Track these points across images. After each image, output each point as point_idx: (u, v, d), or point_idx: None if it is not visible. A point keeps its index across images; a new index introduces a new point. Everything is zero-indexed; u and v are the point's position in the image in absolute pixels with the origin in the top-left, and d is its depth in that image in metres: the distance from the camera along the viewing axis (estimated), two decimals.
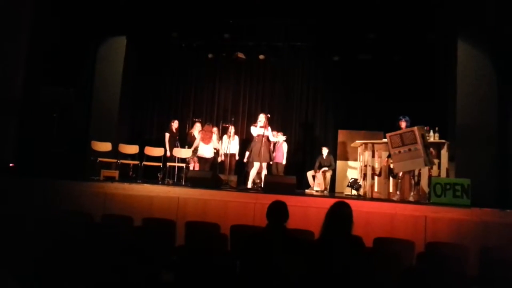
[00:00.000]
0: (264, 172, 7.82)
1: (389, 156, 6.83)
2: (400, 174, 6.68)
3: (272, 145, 8.84)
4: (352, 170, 9.15)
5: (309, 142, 10.27)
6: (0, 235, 3.49)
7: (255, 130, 7.77)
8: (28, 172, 7.03)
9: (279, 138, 8.96)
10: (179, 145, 8.84)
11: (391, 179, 6.98)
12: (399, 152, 6.38)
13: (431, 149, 6.72)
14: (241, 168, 9.22)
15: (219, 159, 8.89)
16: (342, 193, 8.65)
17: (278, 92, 10.54)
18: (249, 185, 7.85)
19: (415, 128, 6.34)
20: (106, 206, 6.06)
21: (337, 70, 9.98)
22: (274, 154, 8.90)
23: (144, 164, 8.03)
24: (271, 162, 8.49)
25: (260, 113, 8.13)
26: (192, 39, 9.92)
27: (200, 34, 9.66)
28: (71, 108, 8.76)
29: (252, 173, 7.87)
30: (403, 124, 6.71)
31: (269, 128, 7.81)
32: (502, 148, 7.22)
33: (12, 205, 5.23)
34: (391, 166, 6.85)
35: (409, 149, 6.30)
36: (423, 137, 6.33)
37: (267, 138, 7.79)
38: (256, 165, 7.76)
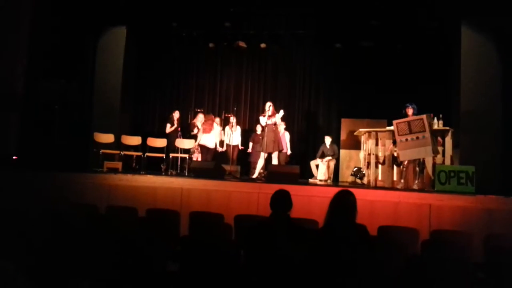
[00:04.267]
0: (274, 161, 7.78)
1: (394, 143, 6.77)
2: (405, 162, 6.64)
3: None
4: (355, 159, 9.13)
5: (312, 131, 10.23)
6: (5, 227, 3.50)
7: (263, 121, 7.70)
8: (31, 165, 7.04)
9: (280, 126, 8.92)
10: (181, 136, 8.82)
11: (395, 167, 6.95)
12: (406, 140, 6.30)
13: (439, 137, 6.67)
14: (244, 158, 9.20)
15: (220, 150, 8.84)
16: (346, 182, 8.65)
17: (280, 81, 10.48)
18: (256, 174, 7.84)
19: (424, 116, 6.25)
20: (110, 197, 6.08)
21: (339, 58, 9.89)
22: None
23: (147, 155, 8.03)
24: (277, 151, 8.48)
25: (262, 102, 8.08)
26: (193, 29, 9.83)
27: (200, 23, 9.58)
28: (73, 100, 8.76)
29: (260, 163, 7.83)
30: (410, 111, 6.62)
31: (277, 115, 7.72)
32: (507, 135, 7.18)
33: (16, 198, 5.24)
34: (395, 154, 6.82)
35: (417, 137, 6.22)
36: (430, 125, 6.27)
37: (276, 126, 7.72)
38: (263, 155, 7.71)
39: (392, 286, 3.13)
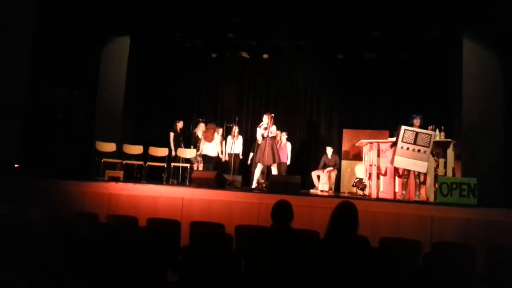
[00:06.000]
0: (274, 172, 7.80)
1: (392, 146, 6.75)
2: (405, 172, 6.62)
3: (278, 145, 8.81)
4: (357, 170, 9.11)
5: (314, 142, 10.23)
6: (6, 235, 3.49)
7: (260, 132, 7.77)
8: (33, 173, 7.05)
9: (282, 137, 8.92)
10: (183, 145, 8.84)
11: (396, 178, 6.93)
12: (407, 148, 6.34)
13: (437, 150, 6.70)
14: (246, 168, 9.19)
15: (223, 159, 8.88)
16: (347, 193, 8.62)
17: (282, 91, 10.50)
18: (254, 185, 7.85)
19: (433, 133, 6.37)
20: (111, 206, 6.08)
21: (341, 69, 9.93)
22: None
23: (148, 165, 8.03)
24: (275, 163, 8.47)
25: (264, 112, 8.12)
26: (196, 39, 9.89)
27: (203, 33, 9.64)
28: (76, 109, 8.80)
29: (256, 174, 7.88)
30: (417, 122, 6.65)
31: (274, 126, 7.79)
32: (509, 147, 7.16)
33: (17, 206, 5.24)
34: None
35: (418, 150, 6.27)
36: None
37: (272, 138, 7.78)
38: (260, 166, 7.77)
39: None
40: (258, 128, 7.91)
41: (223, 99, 10.78)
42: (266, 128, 7.70)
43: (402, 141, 6.39)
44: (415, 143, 6.30)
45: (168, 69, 10.68)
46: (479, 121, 7.26)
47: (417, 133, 6.34)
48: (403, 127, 6.45)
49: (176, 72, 10.78)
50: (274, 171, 7.85)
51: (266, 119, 7.76)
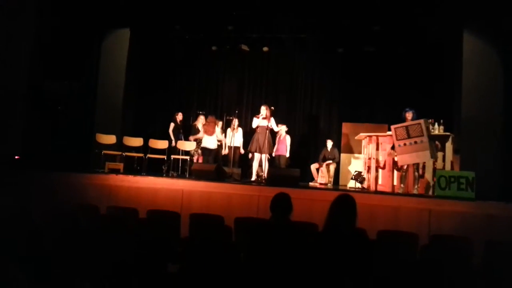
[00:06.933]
0: (266, 164, 7.83)
1: (392, 148, 6.80)
2: (405, 167, 6.66)
3: (278, 138, 8.83)
4: (356, 163, 9.14)
5: (313, 135, 10.25)
6: (6, 227, 3.52)
7: (256, 122, 7.79)
8: (34, 165, 7.07)
9: (281, 129, 8.94)
10: (183, 138, 8.86)
11: (395, 172, 6.97)
12: (404, 144, 6.34)
13: (437, 142, 6.69)
14: (245, 161, 9.22)
15: (223, 152, 8.91)
16: (346, 186, 8.66)
17: (282, 84, 10.50)
18: (253, 177, 7.88)
19: (422, 120, 6.31)
20: (111, 198, 6.11)
21: (341, 63, 9.92)
22: (276, 147, 8.89)
23: (148, 157, 8.06)
24: (273, 155, 8.50)
25: (264, 105, 8.11)
26: (196, 32, 9.87)
27: (203, 26, 9.61)
28: (76, 101, 8.80)
29: (255, 166, 7.91)
30: (409, 116, 6.65)
31: (272, 119, 7.82)
32: (507, 141, 7.18)
33: (18, 198, 5.27)
34: (395, 158, 6.84)
35: (415, 142, 6.27)
36: (428, 130, 6.31)
37: (270, 130, 7.79)
38: (257, 156, 7.80)
39: None
40: (255, 118, 7.90)
41: (223, 92, 10.78)
42: (264, 118, 7.71)
43: (397, 140, 6.42)
44: (409, 137, 6.31)
45: (168, 62, 10.66)
46: (478, 115, 7.26)
47: (406, 127, 6.35)
48: (392, 127, 6.49)
49: (176, 65, 10.77)
50: (266, 162, 7.86)
51: (264, 110, 7.77)
